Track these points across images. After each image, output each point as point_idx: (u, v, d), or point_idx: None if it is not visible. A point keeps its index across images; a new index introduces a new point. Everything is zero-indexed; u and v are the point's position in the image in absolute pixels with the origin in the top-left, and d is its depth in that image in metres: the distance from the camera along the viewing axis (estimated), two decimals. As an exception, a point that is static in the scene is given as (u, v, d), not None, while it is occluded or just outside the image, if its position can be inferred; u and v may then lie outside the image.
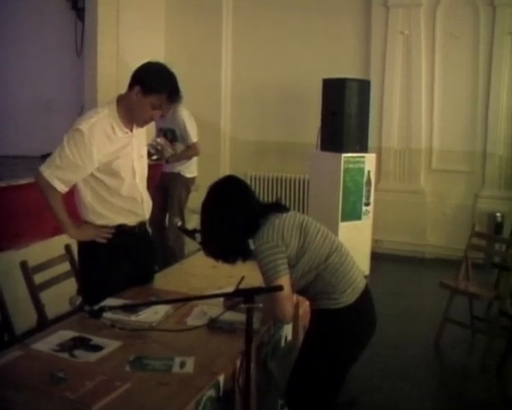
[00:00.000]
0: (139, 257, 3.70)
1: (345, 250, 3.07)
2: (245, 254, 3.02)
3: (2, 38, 8.26)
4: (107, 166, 3.44)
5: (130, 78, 3.45)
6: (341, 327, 2.99)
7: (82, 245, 3.61)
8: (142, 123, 3.56)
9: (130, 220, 3.63)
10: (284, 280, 2.85)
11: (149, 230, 4.00)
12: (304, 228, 2.96)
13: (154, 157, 6.51)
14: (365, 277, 3.13)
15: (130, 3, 8.12)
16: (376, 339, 5.65)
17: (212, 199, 3.03)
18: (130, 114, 3.47)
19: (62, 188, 3.38)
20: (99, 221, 3.53)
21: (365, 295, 3.05)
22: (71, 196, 3.53)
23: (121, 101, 3.49)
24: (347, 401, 4.42)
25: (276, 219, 2.95)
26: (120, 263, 3.58)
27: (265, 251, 2.87)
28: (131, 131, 3.53)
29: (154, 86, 3.36)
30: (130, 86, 3.43)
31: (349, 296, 2.96)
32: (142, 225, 3.73)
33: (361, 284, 3.04)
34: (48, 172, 3.35)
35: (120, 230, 3.56)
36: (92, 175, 3.44)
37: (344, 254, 3.04)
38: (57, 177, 3.35)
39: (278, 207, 3.06)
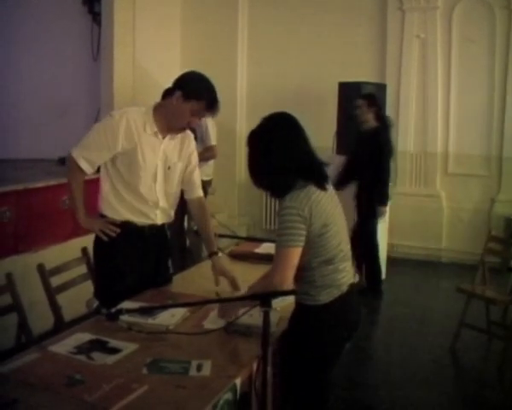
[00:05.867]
0: (151, 260, 3.71)
1: (348, 256, 3.02)
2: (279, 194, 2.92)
3: (19, 41, 8.29)
4: (129, 159, 3.48)
5: (172, 84, 3.52)
6: (313, 324, 2.93)
7: (97, 248, 3.66)
8: (178, 130, 3.59)
9: (139, 220, 3.62)
10: (296, 252, 2.81)
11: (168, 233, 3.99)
12: (328, 223, 2.88)
13: None
14: (354, 282, 3.07)
15: (146, 8, 8.14)
16: (392, 343, 5.66)
17: (277, 126, 2.99)
18: (167, 119, 3.53)
19: (87, 168, 3.52)
20: (111, 214, 3.58)
21: (346, 297, 2.97)
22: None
23: (158, 107, 3.58)
24: (361, 407, 4.42)
25: (313, 193, 2.86)
26: (134, 265, 3.59)
27: (291, 215, 2.80)
28: (163, 137, 3.57)
29: (195, 92, 3.41)
30: (171, 92, 3.50)
31: (327, 295, 2.90)
32: (152, 227, 3.70)
33: (344, 286, 2.96)
34: (76, 152, 3.51)
35: (127, 227, 3.57)
36: (114, 167, 3.52)
37: (344, 260, 2.99)
38: (83, 156, 3.49)
39: (321, 180, 2.96)
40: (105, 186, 3.59)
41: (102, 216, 3.61)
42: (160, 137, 3.55)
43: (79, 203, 3.59)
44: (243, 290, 3.36)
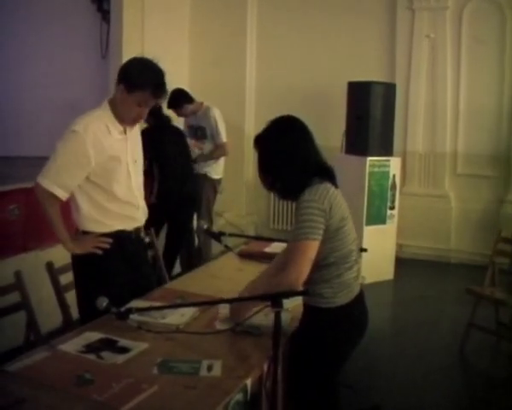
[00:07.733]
0: (137, 263, 3.66)
1: (358, 255, 3.04)
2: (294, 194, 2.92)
3: (28, 39, 8.31)
4: (103, 169, 3.37)
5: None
6: (328, 328, 2.93)
7: (76, 256, 3.50)
8: (130, 122, 3.47)
9: (128, 225, 3.56)
10: (315, 245, 2.79)
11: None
12: (345, 217, 2.91)
13: None
14: (362, 283, 3.10)
15: (154, 6, 8.13)
16: (401, 345, 5.64)
17: (291, 128, 3.02)
18: (118, 113, 3.42)
19: (63, 195, 3.32)
20: (98, 229, 3.44)
21: (358, 299, 2.99)
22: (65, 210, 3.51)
23: (112, 101, 3.44)
24: (370, 407, 4.39)
25: (330, 188, 2.89)
26: (119, 271, 3.51)
27: (311, 209, 2.79)
28: (125, 132, 3.48)
29: (137, 83, 3.28)
30: (117, 85, 3.38)
31: (343, 297, 2.91)
32: (137, 230, 3.65)
33: (357, 287, 2.99)
34: (46, 181, 3.28)
35: (118, 236, 3.48)
36: (88, 180, 3.37)
37: (356, 259, 3.00)
38: (57, 184, 3.29)
39: (333, 178, 3.00)
40: (82, 203, 3.41)
41: (85, 233, 3.47)
42: (125, 135, 3.47)
43: (63, 233, 3.41)
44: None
